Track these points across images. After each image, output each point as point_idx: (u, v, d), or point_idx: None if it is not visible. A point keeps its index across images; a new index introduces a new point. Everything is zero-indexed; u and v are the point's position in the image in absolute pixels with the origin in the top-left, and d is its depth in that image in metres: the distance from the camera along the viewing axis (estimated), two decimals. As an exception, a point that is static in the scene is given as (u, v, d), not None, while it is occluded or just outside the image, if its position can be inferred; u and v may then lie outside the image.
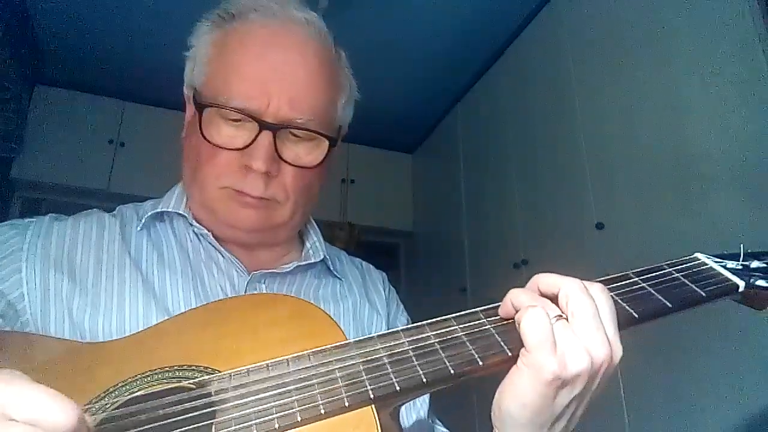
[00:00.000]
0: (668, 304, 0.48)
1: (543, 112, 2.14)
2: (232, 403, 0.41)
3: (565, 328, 0.43)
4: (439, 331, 0.46)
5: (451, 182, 2.83)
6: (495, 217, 2.41)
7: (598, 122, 1.83)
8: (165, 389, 0.44)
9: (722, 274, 0.52)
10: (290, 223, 0.68)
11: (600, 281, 0.48)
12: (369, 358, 0.44)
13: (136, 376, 0.45)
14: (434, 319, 0.47)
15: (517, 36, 2.36)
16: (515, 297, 0.46)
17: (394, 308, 0.80)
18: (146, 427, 0.40)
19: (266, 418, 0.39)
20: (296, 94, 0.62)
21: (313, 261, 0.72)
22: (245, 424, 0.39)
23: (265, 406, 0.40)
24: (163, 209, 0.69)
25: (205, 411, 0.41)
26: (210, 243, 0.67)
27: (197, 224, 0.67)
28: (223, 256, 0.67)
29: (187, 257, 0.67)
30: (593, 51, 1.89)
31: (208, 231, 0.67)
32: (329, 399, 0.40)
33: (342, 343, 0.45)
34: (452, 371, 0.42)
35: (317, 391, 0.41)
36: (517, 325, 0.44)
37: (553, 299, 0.46)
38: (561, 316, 0.44)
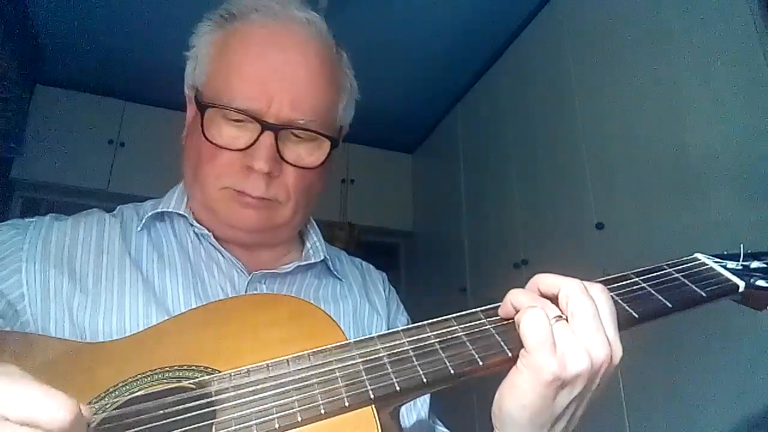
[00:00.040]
0: (668, 304, 0.48)
1: (543, 112, 2.14)
2: (232, 403, 0.41)
3: (564, 328, 0.43)
4: (439, 332, 0.46)
5: (451, 182, 2.83)
6: (495, 217, 2.41)
7: (598, 122, 1.83)
8: (165, 389, 0.44)
9: (722, 275, 0.52)
10: (291, 223, 0.68)
11: (600, 281, 0.48)
12: (369, 358, 0.44)
13: (136, 376, 0.45)
14: (434, 319, 0.47)
15: (517, 36, 2.36)
16: (515, 297, 0.46)
17: (394, 308, 0.80)
18: (146, 426, 0.40)
19: (266, 418, 0.39)
20: (298, 95, 0.62)
21: (313, 261, 0.72)
22: (245, 424, 0.39)
23: (265, 406, 0.40)
24: (163, 209, 0.69)
25: (205, 411, 0.41)
26: (210, 243, 0.67)
27: (198, 224, 0.67)
28: (223, 256, 0.67)
29: (187, 257, 0.67)
30: (593, 51, 1.89)
31: (209, 231, 0.67)
32: (329, 399, 0.41)
33: (342, 343, 0.45)
34: (452, 371, 0.43)
35: (317, 391, 0.41)
36: (516, 326, 0.44)
37: (553, 300, 0.46)
38: (561, 316, 0.44)
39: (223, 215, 0.65)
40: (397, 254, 3.46)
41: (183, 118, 0.71)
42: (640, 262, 0.53)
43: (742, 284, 0.51)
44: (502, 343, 0.45)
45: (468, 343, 0.45)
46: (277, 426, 0.39)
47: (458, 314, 0.47)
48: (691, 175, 1.45)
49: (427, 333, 0.46)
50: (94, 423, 0.39)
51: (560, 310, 0.45)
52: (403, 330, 0.46)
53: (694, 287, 0.50)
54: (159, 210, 0.68)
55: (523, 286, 0.48)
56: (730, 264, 0.53)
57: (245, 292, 0.66)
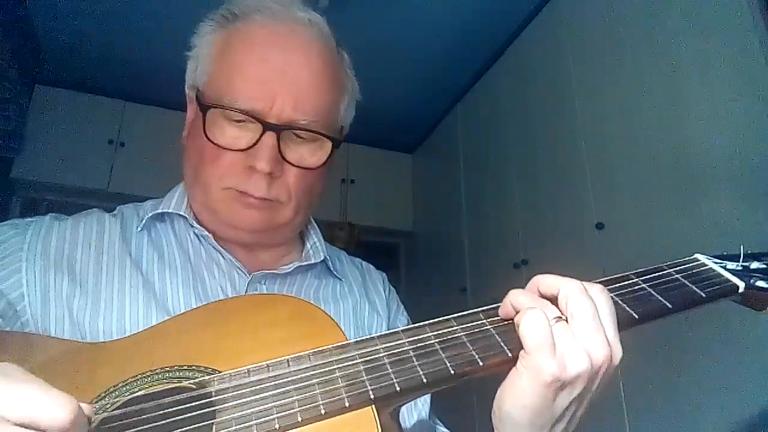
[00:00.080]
0: (668, 304, 0.48)
1: (543, 112, 2.14)
2: (232, 403, 0.41)
3: (564, 329, 0.43)
4: (439, 332, 0.46)
5: (451, 182, 2.83)
6: (495, 217, 2.41)
7: (598, 122, 1.83)
8: (165, 389, 0.44)
9: (722, 275, 0.52)
10: (292, 223, 0.68)
11: (600, 282, 0.48)
12: (369, 358, 0.44)
13: (136, 376, 0.45)
14: (434, 320, 0.47)
15: (517, 36, 2.36)
16: (515, 298, 0.46)
17: (394, 309, 0.80)
18: (147, 426, 0.40)
19: (267, 419, 0.39)
20: (300, 96, 0.62)
21: (313, 261, 0.72)
22: (246, 425, 0.39)
23: (265, 406, 0.40)
24: (163, 210, 0.69)
25: (205, 411, 0.41)
26: (210, 244, 0.67)
27: (198, 225, 0.67)
28: (223, 257, 0.67)
29: (187, 258, 0.67)
30: (593, 51, 1.89)
31: (210, 231, 0.67)
32: (329, 399, 0.41)
33: (342, 343, 0.45)
34: (452, 371, 0.43)
35: (317, 391, 0.41)
36: (516, 327, 0.44)
37: (553, 300, 0.46)
38: (560, 317, 0.44)
39: (224, 215, 0.65)
40: (397, 254, 3.46)
41: (183, 118, 0.71)
42: (640, 263, 0.53)
43: (742, 285, 0.51)
44: (502, 344, 0.45)
45: (468, 344, 0.45)
46: (277, 426, 0.39)
47: (458, 314, 0.48)
48: (691, 175, 1.45)
49: (428, 333, 0.46)
50: (94, 423, 0.39)
51: (560, 310, 0.45)
52: (403, 330, 0.46)
53: (694, 288, 0.50)
54: (159, 210, 0.68)
55: (523, 287, 0.48)
56: (730, 265, 0.53)
57: (245, 292, 0.66)
